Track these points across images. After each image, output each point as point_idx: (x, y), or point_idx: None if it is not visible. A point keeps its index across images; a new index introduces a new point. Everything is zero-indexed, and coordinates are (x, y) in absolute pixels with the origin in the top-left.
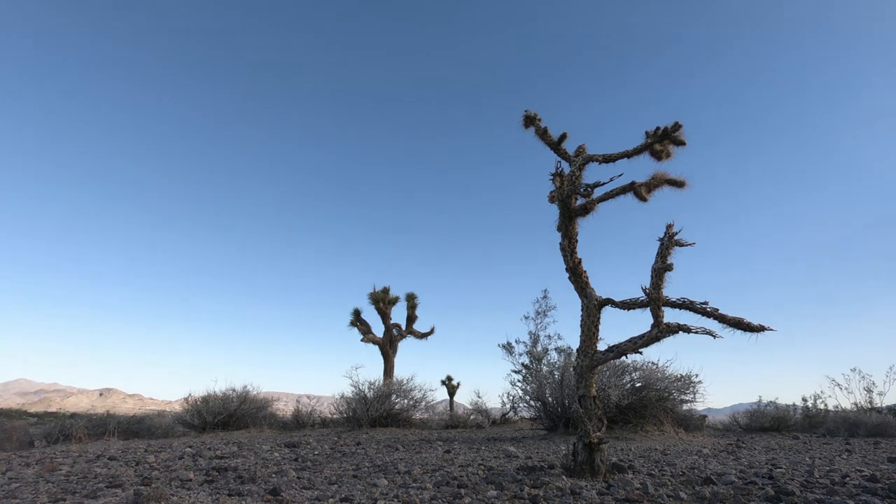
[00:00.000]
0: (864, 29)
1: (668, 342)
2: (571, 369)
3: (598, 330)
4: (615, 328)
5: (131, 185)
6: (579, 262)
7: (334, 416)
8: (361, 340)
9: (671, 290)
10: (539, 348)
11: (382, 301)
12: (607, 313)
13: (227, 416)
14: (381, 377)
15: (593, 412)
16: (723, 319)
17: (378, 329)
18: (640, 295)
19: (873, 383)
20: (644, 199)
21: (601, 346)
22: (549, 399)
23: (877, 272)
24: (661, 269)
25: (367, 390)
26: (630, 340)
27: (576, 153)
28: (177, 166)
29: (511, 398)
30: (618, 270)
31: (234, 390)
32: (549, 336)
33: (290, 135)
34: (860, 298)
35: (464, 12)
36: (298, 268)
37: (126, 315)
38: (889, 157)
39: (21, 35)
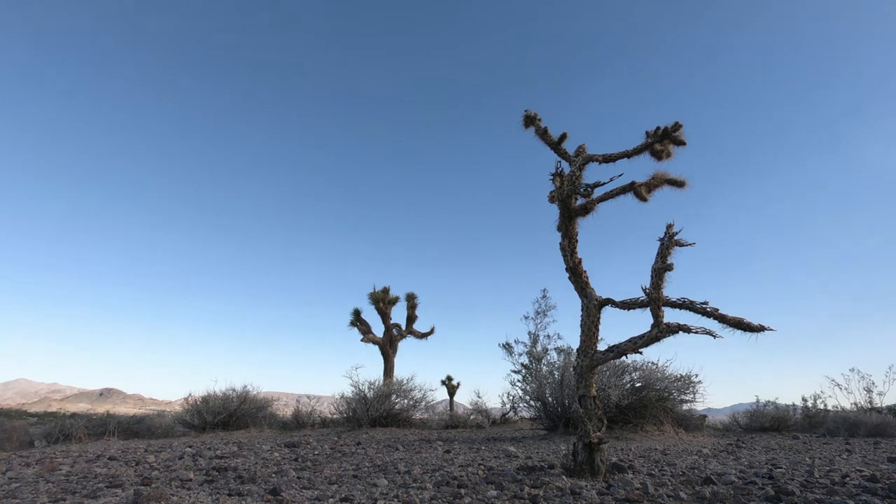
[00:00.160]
0: (864, 29)
1: (668, 342)
2: (571, 369)
3: (598, 330)
4: (615, 328)
5: (131, 185)
6: (579, 261)
7: (334, 416)
8: (361, 340)
9: (671, 289)
10: (539, 348)
11: (382, 301)
12: (607, 313)
13: (227, 416)
14: (381, 377)
15: (593, 412)
16: (723, 319)
17: (378, 329)
18: (640, 295)
19: (873, 383)
20: (644, 199)
21: (601, 346)
22: (549, 399)
23: (877, 272)
24: (661, 268)
25: (367, 390)
26: (630, 340)
27: (576, 153)
28: (177, 167)
29: (511, 398)
30: (618, 270)
31: (234, 390)
32: (548, 336)
33: (290, 135)
34: (860, 298)
35: (464, 13)
36: (298, 268)
37: (126, 315)
38: (890, 157)
39: (20, 35)
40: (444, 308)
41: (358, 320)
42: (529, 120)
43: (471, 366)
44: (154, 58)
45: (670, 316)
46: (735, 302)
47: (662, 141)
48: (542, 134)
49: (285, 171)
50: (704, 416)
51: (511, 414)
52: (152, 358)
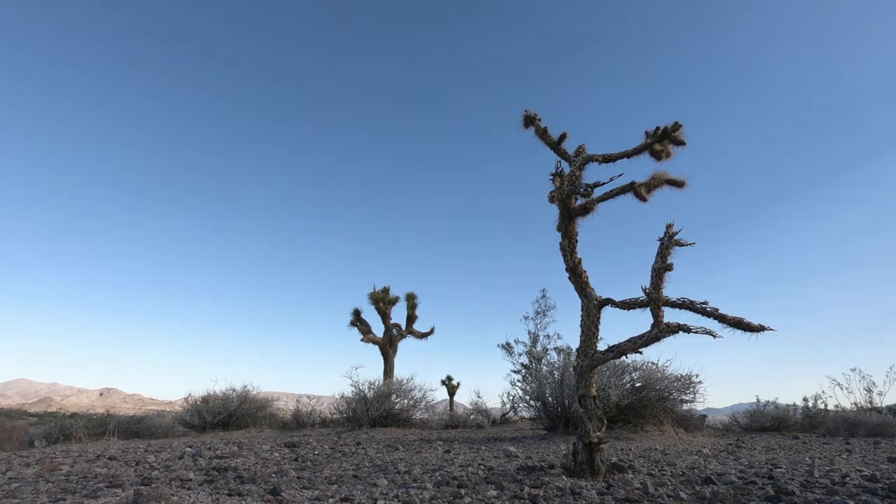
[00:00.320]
0: (863, 29)
1: (668, 342)
2: (571, 369)
3: (598, 330)
4: (615, 328)
5: (131, 185)
6: (579, 261)
7: (334, 416)
8: (361, 340)
9: (671, 289)
10: (539, 348)
11: (382, 301)
12: (607, 313)
13: (227, 415)
14: (381, 377)
15: (593, 412)
16: (723, 319)
17: (378, 329)
18: (640, 295)
19: (873, 383)
20: (644, 199)
21: (601, 346)
22: (549, 399)
23: (877, 272)
24: (661, 268)
25: (367, 390)
26: (630, 340)
27: (576, 153)
28: (176, 167)
29: (511, 398)
30: (618, 270)
31: (234, 390)
32: (548, 336)
33: (290, 135)
34: (861, 298)
35: (464, 13)
36: (298, 268)
37: (126, 315)
38: (890, 156)
39: (20, 35)
40: (444, 308)
41: (358, 320)
42: (529, 120)
43: (471, 366)
44: (154, 58)
45: (670, 316)
46: (735, 302)
47: (662, 141)
48: (542, 134)
49: (285, 172)
50: (704, 416)
51: (511, 414)
52: (152, 358)
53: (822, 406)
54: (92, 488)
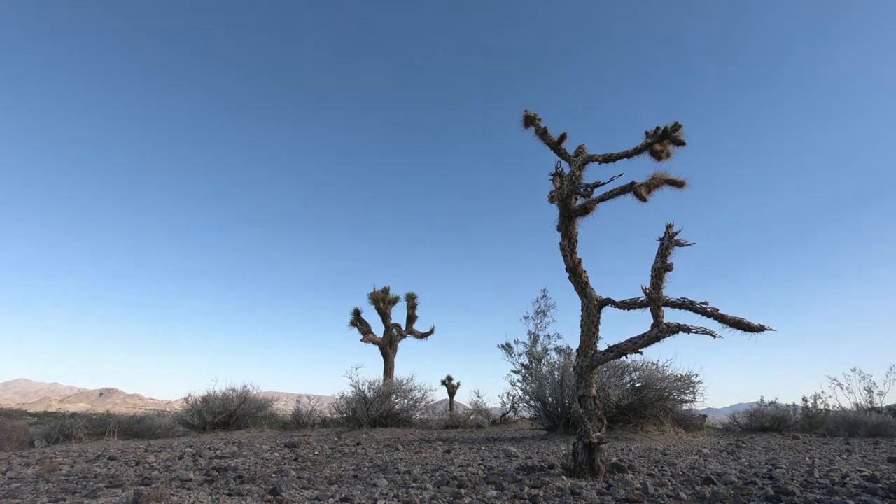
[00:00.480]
0: (864, 28)
1: (668, 342)
2: (571, 369)
3: (598, 330)
4: (615, 328)
5: (131, 185)
6: (579, 262)
7: (334, 416)
8: (361, 340)
9: (671, 290)
10: (539, 348)
11: (382, 301)
12: (607, 313)
13: (227, 416)
14: (381, 377)
15: (593, 412)
16: (723, 319)
17: (378, 329)
18: (640, 295)
19: (874, 383)
20: (644, 199)
21: (601, 346)
22: (549, 399)
23: (878, 272)
24: (661, 268)
25: (367, 390)
26: (630, 340)
27: (576, 153)
28: (176, 167)
29: (511, 398)
30: (618, 270)
31: (234, 390)
32: (548, 336)
33: (290, 136)
34: (861, 298)
35: (464, 13)
36: (298, 268)
37: (126, 315)
38: (890, 156)
39: (20, 35)
40: (444, 308)
41: (358, 320)
42: (529, 120)
43: (471, 366)
44: (153, 59)
45: (670, 316)
46: (735, 302)
47: (662, 141)
48: (542, 134)
49: (285, 172)
50: (704, 416)
51: (511, 414)
52: (152, 358)
53: (822, 406)
54: (92, 488)
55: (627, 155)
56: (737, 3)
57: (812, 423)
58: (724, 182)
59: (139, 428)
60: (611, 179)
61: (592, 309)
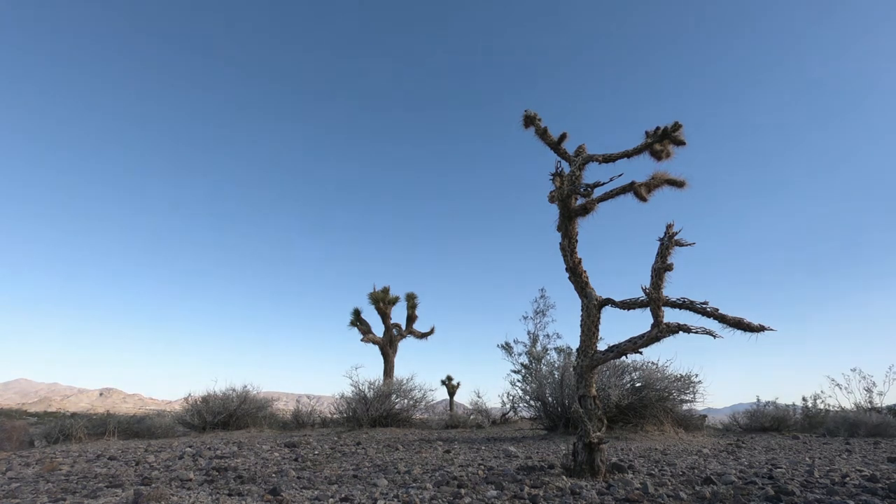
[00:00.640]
0: (861, 29)
1: (668, 342)
2: (571, 369)
3: (598, 330)
4: (615, 328)
5: (131, 185)
6: (579, 261)
7: (334, 416)
8: (361, 340)
9: (671, 289)
10: (538, 348)
11: (382, 301)
12: (607, 313)
13: (227, 415)
14: (381, 377)
15: (593, 412)
16: (723, 319)
17: (378, 329)
18: (640, 295)
19: (873, 383)
20: (644, 199)
21: (601, 346)
22: (549, 399)
23: (878, 272)
24: (661, 268)
25: (367, 390)
26: (630, 340)
27: (576, 153)
28: (176, 167)
29: (511, 398)
30: (618, 270)
31: (234, 390)
32: (548, 336)
33: (290, 137)
34: (861, 298)
35: (464, 14)
36: (298, 268)
37: (126, 315)
38: (890, 157)
39: (20, 35)
40: (444, 308)
41: (358, 320)
42: (529, 120)
43: (471, 366)
44: (152, 59)
45: (670, 316)
46: (735, 302)
47: (662, 141)
48: (542, 134)
49: (285, 172)
50: (704, 416)
51: (511, 414)
52: (152, 358)
53: (822, 406)
54: (92, 488)
55: (627, 155)
56: (737, 2)
57: (812, 423)
58: (724, 182)
59: (139, 428)
60: (611, 179)
61: (592, 309)
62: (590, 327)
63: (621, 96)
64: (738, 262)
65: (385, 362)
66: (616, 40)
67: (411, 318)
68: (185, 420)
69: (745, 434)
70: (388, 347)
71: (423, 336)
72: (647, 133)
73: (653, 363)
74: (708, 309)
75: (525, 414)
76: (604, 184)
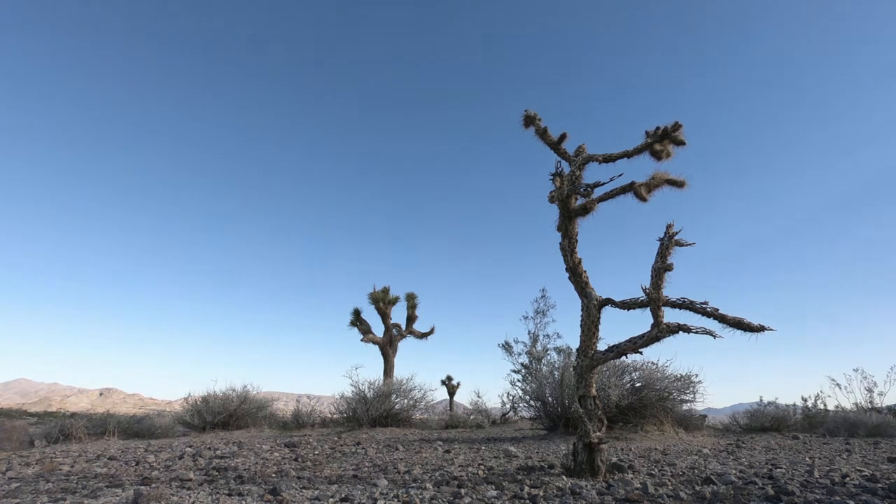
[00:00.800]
0: (860, 29)
1: (668, 342)
2: (571, 369)
3: (598, 330)
4: (615, 328)
5: (131, 185)
6: (579, 262)
7: (334, 416)
8: (361, 340)
9: (671, 290)
10: (539, 348)
11: (382, 301)
12: (607, 313)
13: (227, 415)
14: (381, 377)
15: (593, 412)
16: (723, 319)
17: (378, 329)
18: (640, 295)
19: (874, 383)
20: (644, 199)
21: (601, 346)
22: (549, 399)
23: (878, 272)
24: (661, 268)
25: (367, 390)
26: (630, 340)
27: (576, 153)
28: (176, 167)
29: (511, 398)
30: (618, 270)
31: (234, 390)
32: (548, 336)
33: (289, 137)
34: (861, 298)
35: (464, 14)
36: (298, 268)
37: (126, 315)
38: (890, 158)
39: (20, 35)
40: (444, 308)
41: (358, 320)
42: (529, 120)
43: (471, 366)
44: (151, 59)
45: (670, 316)
46: (735, 302)
47: (662, 141)
48: (542, 134)
49: (285, 173)
50: (704, 416)
51: (511, 414)
52: (152, 358)
53: (822, 406)
54: (92, 488)
55: (627, 155)
56: (737, 2)
57: (812, 423)
58: (725, 182)
59: (139, 428)
60: (611, 179)
61: (592, 309)
62: (590, 327)
63: (621, 96)
64: (737, 262)
65: (385, 362)
66: (616, 40)
67: (411, 318)
68: (185, 420)
69: (745, 434)
70: (388, 347)
71: (423, 336)
72: (647, 133)
73: (653, 363)
74: (708, 309)
75: (525, 414)
76: (604, 184)
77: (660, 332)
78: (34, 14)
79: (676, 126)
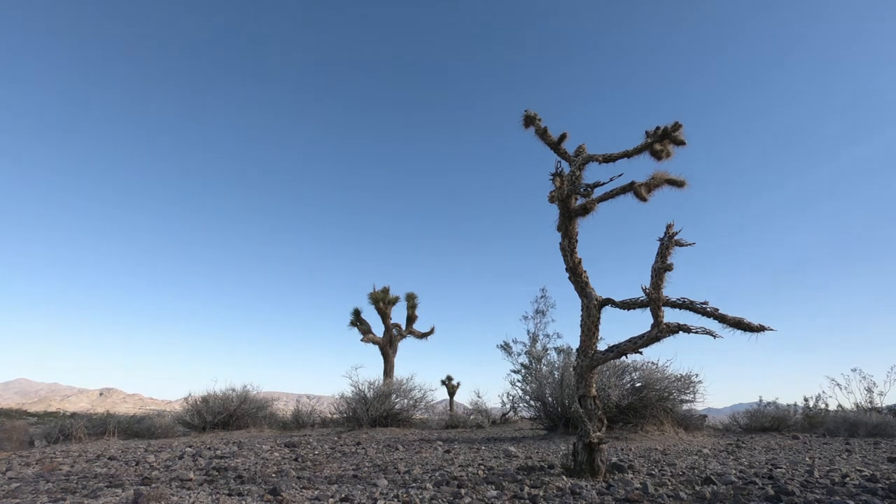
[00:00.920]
0: (858, 29)
1: (668, 342)
2: (571, 369)
3: (598, 330)
4: (615, 328)
5: (131, 185)
6: (579, 261)
7: (334, 416)
8: (361, 340)
9: (671, 290)
10: (538, 348)
11: (382, 301)
12: (607, 313)
13: (227, 415)
14: (381, 377)
15: (593, 412)
16: (723, 319)
17: (378, 329)
18: (640, 295)
19: (874, 383)
20: (644, 199)
21: (601, 346)
22: (549, 399)
23: (878, 272)
24: (661, 268)
25: (367, 390)
26: (630, 340)
27: (576, 153)
28: (176, 167)
29: (511, 398)
30: (618, 270)
31: (234, 390)
32: (548, 336)
33: (290, 137)
34: (861, 298)
35: (464, 15)
36: (298, 268)
37: (126, 315)
38: (890, 158)
39: (20, 35)
40: (444, 308)
41: (358, 320)
42: (529, 120)
43: (471, 366)
44: (151, 59)
45: (670, 316)
46: (735, 302)
47: (662, 141)
48: (542, 134)
49: (286, 173)
50: (704, 416)
51: (511, 414)
52: (152, 358)
53: (822, 406)
54: (92, 488)
55: (627, 155)
56: (736, 3)
57: (812, 423)
58: (726, 181)
59: (139, 428)
60: (611, 179)
61: (592, 309)
62: (590, 327)
63: (621, 96)
64: (738, 261)
65: (385, 362)
66: (616, 40)
67: (411, 318)
68: (185, 420)
69: (745, 434)
70: (388, 347)
71: (423, 336)
72: (647, 133)
73: (653, 363)
74: (708, 309)
75: (525, 414)
76: (604, 184)
77: (660, 332)
78: (34, 14)
79: (676, 126)
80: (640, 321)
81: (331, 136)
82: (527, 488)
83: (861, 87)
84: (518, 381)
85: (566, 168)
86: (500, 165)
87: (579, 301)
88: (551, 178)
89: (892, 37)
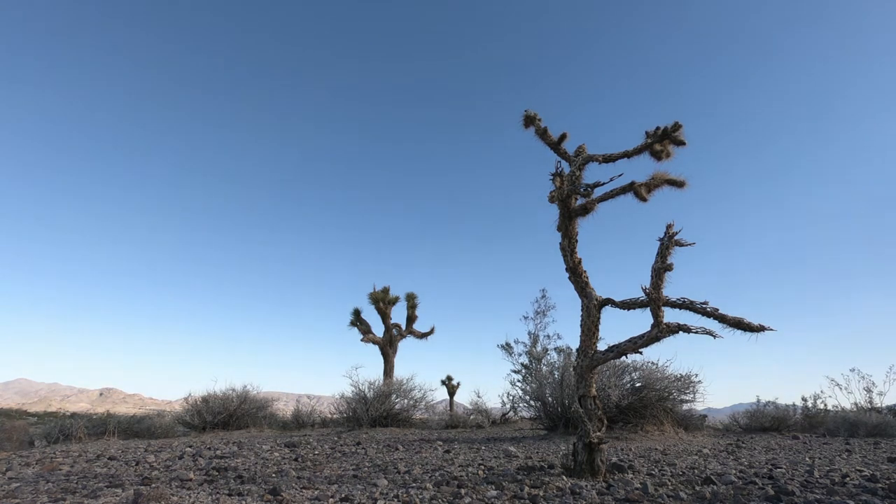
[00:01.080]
0: (856, 28)
1: (668, 342)
2: (571, 369)
3: (598, 330)
4: (615, 328)
5: (132, 186)
6: (579, 262)
7: (334, 416)
8: (361, 340)
9: (671, 290)
10: (539, 348)
11: (382, 301)
12: (607, 313)
13: (227, 415)
14: (381, 377)
15: (593, 412)
16: (723, 319)
17: (378, 329)
18: (640, 295)
19: (873, 383)
20: (644, 199)
21: (601, 346)
22: (549, 399)
23: (878, 273)
24: (660, 268)
25: (367, 390)
26: (630, 340)
27: (576, 153)
28: (177, 167)
29: (511, 398)
30: (618, 270)
31: (234, 390)
32: (548, 336)
33: (290, 137)
34: (861, 298)
35: (464, 15)
36: (298, 268)
37: (126, 315)
38: (889, 159)
39: (20, 35)
40: (444, 308)
41: (358, 320)
42: (529, 120)
43: (471, 366)
44: (151, 59)
45: (670, 316)
46: (735, 302)
47: (662, 141)
48: (542, 134)
49: (286, 173)
50: (704, 416)
51: (511, 414)
52: (152, 358)
53: (821, 406)
54: (92, 488)
55: (627, 155)
56: (737, 2)
57: (812, 423)
58: (727, 183)
59: (139, 428)
60: (611, 179)
61: (592, 309)
62: (590, 327)
63: (621, 96)
64: (737, 261)
65: (385, 362)
66: (616, 40)
67: (411, 318)
68: (185, 420)
69: (745, 434)
70: (388, 347)
71: (423, 336)
72: (647, 133)
73: (653, 363)
74: (708, 309)
75: (525, 414)
76: (604, 184)
77: (660, 332)
78: (34, 14)
79: (676, 126)
80: (640, 321)
81: (331, 135)
82: (527, 488)
83: (861, 85)
84: (518, 381)
85: (566, 168)
86: (500, 165)
87: (579, 301)
88: (551, 178)
89: (893, 37)
